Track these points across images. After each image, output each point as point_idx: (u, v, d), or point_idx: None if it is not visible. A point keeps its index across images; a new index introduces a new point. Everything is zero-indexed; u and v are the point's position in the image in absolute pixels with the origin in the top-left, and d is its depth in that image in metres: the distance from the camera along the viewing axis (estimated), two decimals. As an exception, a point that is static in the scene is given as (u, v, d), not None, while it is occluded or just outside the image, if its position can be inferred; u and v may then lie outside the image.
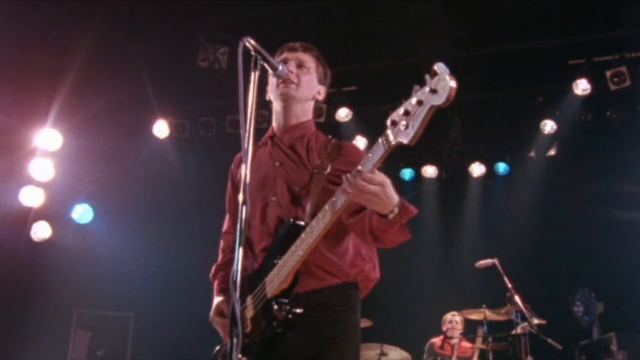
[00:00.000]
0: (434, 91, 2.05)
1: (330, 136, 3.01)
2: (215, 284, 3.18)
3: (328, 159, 2.82)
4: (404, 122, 2.15)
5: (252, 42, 2.55)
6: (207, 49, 7.96)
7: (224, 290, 3.10)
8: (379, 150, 2.29)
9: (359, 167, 2.36)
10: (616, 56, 7.89)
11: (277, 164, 2.99)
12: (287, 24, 7.10)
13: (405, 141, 2.16)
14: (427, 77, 2.07)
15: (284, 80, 2.96)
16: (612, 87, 7.88)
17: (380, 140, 2.28)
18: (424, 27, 7.54)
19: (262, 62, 2.61)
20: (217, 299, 3.10)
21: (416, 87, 2.13)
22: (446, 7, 7.50)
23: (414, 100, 2.12)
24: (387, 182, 2.39)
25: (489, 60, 8.27)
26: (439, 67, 2.04)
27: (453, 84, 2.01)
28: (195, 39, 8.00)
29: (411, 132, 2.13)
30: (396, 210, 2.46)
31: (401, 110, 2.17)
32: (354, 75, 8.28)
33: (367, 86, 8.56)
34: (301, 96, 3.04)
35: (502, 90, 8.71)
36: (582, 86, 8.07)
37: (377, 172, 2.35)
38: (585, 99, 8.26)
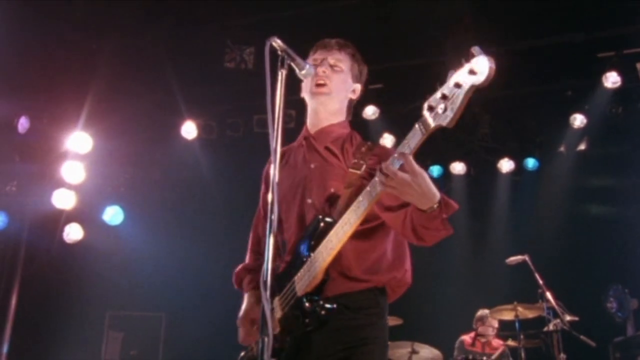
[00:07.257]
0: (472, 72, 2.08)
1: (367, 140, 2.99)
2: (245, 282, 3.15)
3: (362, 159, 2.81)
4: (442, 106, 2.18)
5: (279, 41, 2.54)
6: (233, 50, 8.02)
7: (255, 289, 3.05)
8: (417, 136, 2.31)
9: (395, 155, 2.38)
10: (646, 48, 7.80)
11: (312, 166, 2.96)
12: (313, 24, 7.10)
13: (444, 123, 2.18)
14: (463, 60, 2.12)
15: (317, 83, 2.96)
16: (643, 80, 7.79)
17: (417, 125, 2.30)
18: (451, 24, 7.50)
19: (289, 61, 2.60)
20: (248, 301, 3.07)
21: (451, 71, 2.16)
22: (472, 4, 7.46)
23: (451, 83, 2.15)
24: (422, 173, 2.39)
25: (517, 56, 8.19)
26: (475, 49, 2.09)
27: (492, 63, 2.05)
28: (221, 40, 8.07)
29: (450, 114, 2.16)
30: (435, 205, 2.47)
31: (438, 95, 2.19)
32: (380, 73, 8.24)
33: (394, 84, 8.54)
34: (333, 97, 3.01)
35: (531, 86, 8.61)
36: (612, 79, 7.97)
37: (410, 161, 2.35)
38: (616, 92, 8.16)
